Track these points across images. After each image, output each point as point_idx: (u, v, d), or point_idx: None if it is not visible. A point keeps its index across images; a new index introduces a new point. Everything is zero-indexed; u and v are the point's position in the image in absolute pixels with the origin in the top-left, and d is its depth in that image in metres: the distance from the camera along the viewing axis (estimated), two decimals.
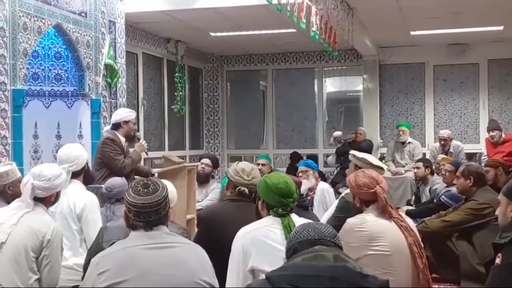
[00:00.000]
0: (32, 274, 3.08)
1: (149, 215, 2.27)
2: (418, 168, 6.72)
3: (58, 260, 3.18)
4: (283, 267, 1.88)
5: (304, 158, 9.29)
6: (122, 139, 5.18)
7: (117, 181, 4.15)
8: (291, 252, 1.96)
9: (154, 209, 2.27)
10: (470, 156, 8.98)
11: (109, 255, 2.26)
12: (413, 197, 7.27)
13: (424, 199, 6.69)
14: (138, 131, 8.36)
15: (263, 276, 2.49)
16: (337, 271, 1.77)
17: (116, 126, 5.19)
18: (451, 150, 8.53)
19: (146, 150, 5.44)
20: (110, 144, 4.98)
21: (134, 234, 2.31)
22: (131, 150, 5.33)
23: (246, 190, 3.37)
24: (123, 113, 5.26)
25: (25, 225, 3.10)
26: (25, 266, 3.06)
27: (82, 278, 2.97)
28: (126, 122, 5.19)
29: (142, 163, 6.05)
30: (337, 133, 10.03)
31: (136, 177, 5.13)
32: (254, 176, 3.40)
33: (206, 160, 6.40)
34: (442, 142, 8.52)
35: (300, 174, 5.86)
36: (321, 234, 1.94)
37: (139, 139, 5.38)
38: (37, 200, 3.23)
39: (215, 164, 6.34)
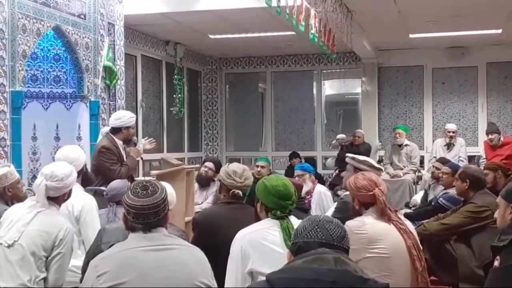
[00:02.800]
0: (40, 273, 3.09)
1: (147, 217, 2.27)
2: (437, 169, 6.60)
3: (67, 260, 3.19)
4: (284, 269, 1.87)
5: (303, 160, 9.35)
6: (119, 143, 5.13)
7: (117, 184, 4.14)
8: (296, 247, 1.94)
9: (152, 211, 2.27)
10: (469, 159, 8.99)
11: (108, 257, 2.26)
12: (423, 194, 7.17)
13: (431, 197, 6.67)
14: (136, 135, 8.39)
15: (261, 278, 2.49)
16: (337, 275, 1.76)
17: (116, 130, 5.13)
18: (454, 143, 8.65)
19: (141, 155, 5.41)
20: (105, 153, 4.92)
21: (133, 236, 2.31)
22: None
23: (240, 193, 3.37)
24: (125, 119, 5.13)
25: (38, 224, 3.12)
26: (33, 264, 3.07)
27: (81, 280, 2.97)
28: (127, 128, 5.13)
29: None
30: (341, 136, 10.05)
31: (137, 179, 5.13)
32: (246, 178, 3.40)
33: (210, 164, 6.39)
34: (451, 134, 8.72)
35: (296, 178, 5.86)
36: (329, 237, 1.90)
37: (135, 144, 5.30)
38: (50, 199, 3.24)
39: (218, 168, 6.32)
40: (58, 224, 3.16)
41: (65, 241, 3.13)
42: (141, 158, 5.45)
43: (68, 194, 3.38)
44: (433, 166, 6.82)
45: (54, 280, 3.13)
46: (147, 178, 3.36)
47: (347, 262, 1.83)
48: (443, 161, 6.74)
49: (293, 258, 1.91)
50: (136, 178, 5.14)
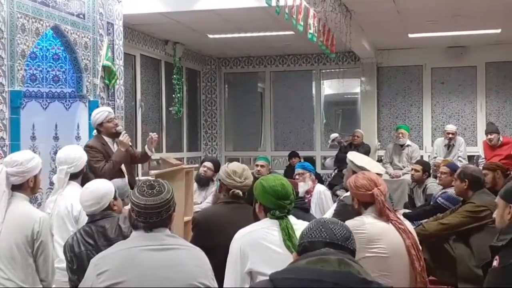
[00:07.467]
0: (31, 269, 3.09)
1: (150, 217, 2.27)
2: (416, 171, 6.74)
3: (50, 248, 3.20)
4: (287, 269, 1.87)
5: (302, 160, 9.34)
6: (108, 139, 5.15)
7: (116, 183, 4.13)
8: (301, 248, 1.95)
9: (155, 211, 2.27)
10: (468, 159, 9.00)
11: (108, 256, 2.27)
12: (407, 200, 7.29)
13: (417, 200, 6.73)
14: (135, 134, 8.40)
15: (260, 278, 2.50)
16: (341, 277, 1.76)
17: (97, 129, 5.19)
18: (454, 143, 8.69)
19: (153, 150, 5.42)
20: (89, 151, 4.87)
21: (134, 235, 2.31)
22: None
23: (240, 193, 3.37)
24: (96, 116, 5.16)
25: (12, 221, 3.10)
26: (21, 262, 3.07)
27: (69, 280, 2.99)
28: (100, 125, 5.14)
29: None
30: (334, 135, 10.05)
31: (138, 177, 5.12)
32: (246, 177, 3.41)
33: (209, 164, 6.39)
34: (450, 136, 8.69)
35: (297, 176, 5.86)
36: (333, 237, 1.91)
37: (119, 133, 5.19)
38: (15, 189, 3.20)
39: (217, 168, 6.34)
40: (31, 216, 3.15)
41: (42, 231, 3.13)
42: (152, 152, 5.47)
43: (35, 183, 3.29)
44: (412, 169, 6.93)
45: (45, 269, 3.15)
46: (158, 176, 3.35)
47: (351, 263, 1.82)
48: (422, 164, 6.89)
49: (298, 258, 1.92)
50: (138, 178, 5.13)
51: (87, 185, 3.29)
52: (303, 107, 11.00)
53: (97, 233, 3.02)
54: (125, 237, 2.71)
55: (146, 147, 5.52)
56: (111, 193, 3.23)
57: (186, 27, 8.16)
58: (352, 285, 1.76)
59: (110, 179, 4.07)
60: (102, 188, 3.21)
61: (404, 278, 2.99)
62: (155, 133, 5.59)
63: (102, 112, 5.18)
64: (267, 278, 1.85)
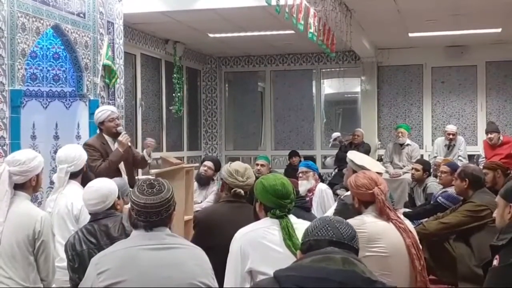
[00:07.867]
0: (32, 268, 3.10)
1: (150, 216, 2.27)
2: (417, 170, 6.75)
3: (51, 247, 3.21)
4: (291, 267, 1.87)
5: (302, 159, 9.35)
6: (109, 138, 5.13)
7: (115, 182, 4.13)
8: (306, 246, 1.94)
9: (155, 210, 2.27)
10: (468, 158, 9.00)
11: (108, 255, 2.27)
12: (407, 199, 7.30)
13: (417, 199, 6.74)
14: (135, 133, 8.38)
15: (261, 278, 2.50)
16: (345, 275, 1.75)
17: (99, 127, 5.18)
18: (455, 143, 8.69)
19: (150, 154, 5.39)
20: (87, 150, 4.80)
21: (135, 234, 2.32)
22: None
23: (242, 192, 3.38)
24: (96, 116, 5.15)
25: (14, 220, 3.11)
26: (22, 261, 3.07)
27: (70, 279, 2.98)
28: (102, 123, 5.12)
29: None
30: (336, 134, 10.05)
31: (137, 176, 5.10)
32: (248, 177, 3.41)
33: (209, 163, 6.39)
34: (451, 137, 8.69)
35: (300, 175, 5.87)
36: (340, 236, 1.91)
37: (120, 134, 5.14)
38: (18, 188, 3.20)
39: (217, 167, 6.34)
40: (32, 216, 3.15)
41: (43, 231, 3.14)
42: (149, 156, 5.44)
43: (37, 182, 3.30)
44: (413, 168, 6.93)
45: (46, 268, 3.16)
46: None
47: (355, 262, 1.82)
48: (422, 163, 6.90)
49: (303, 256, 1.91)
50: (137, 177, 5.11)
51: (90, 184, 3.29)
52: (303, 106, 11.00)
53: (99, 232, 3.03)
54: (128, 236, 2.72)
55: (144, 151, 5.49)
56: (116, 192, 3.24)
57: (187, 26, 8.16)
58: (357, 284, 1.75)
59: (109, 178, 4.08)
60: (107, 187, 3.23)
61: (404, 277, 2.99)
62: (151, 139, 5.58)
63: (105, 111, 5.17)
64: (270, 276, 1.85)
